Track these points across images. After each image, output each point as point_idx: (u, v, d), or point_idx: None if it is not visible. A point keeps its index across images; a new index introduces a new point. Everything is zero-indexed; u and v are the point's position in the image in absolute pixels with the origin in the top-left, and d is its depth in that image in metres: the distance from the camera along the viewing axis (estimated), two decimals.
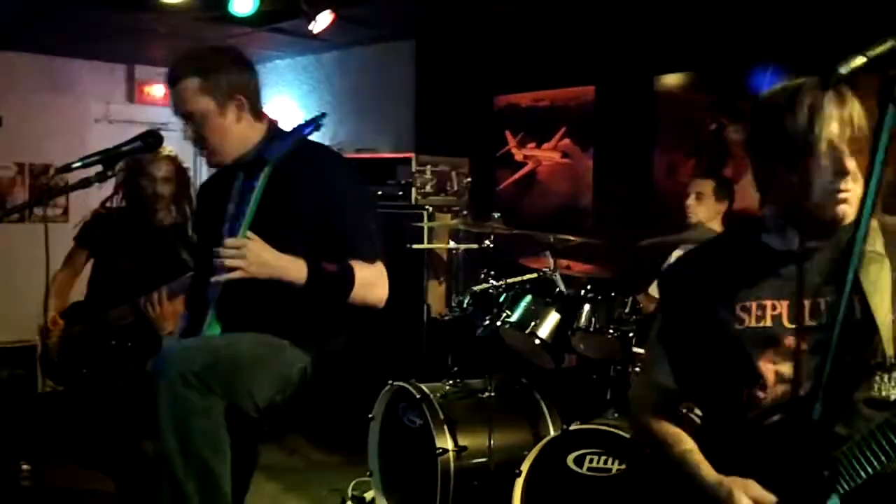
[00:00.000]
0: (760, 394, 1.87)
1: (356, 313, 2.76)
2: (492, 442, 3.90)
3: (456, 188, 5.69)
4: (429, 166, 5.59)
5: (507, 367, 4.18)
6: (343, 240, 2.69)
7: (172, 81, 2.74)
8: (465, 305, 4.38)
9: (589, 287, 4.03)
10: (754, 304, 1.90)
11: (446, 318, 4.34)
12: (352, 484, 4.60)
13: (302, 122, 2.65)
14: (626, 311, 3.87)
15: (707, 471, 1.89)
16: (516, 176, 6.12)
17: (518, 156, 6.12)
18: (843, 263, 1.62)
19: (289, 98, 7.69)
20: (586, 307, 3.95)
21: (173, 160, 4.15)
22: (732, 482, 1.81)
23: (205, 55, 2.79)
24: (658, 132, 5.41)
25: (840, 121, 1.76)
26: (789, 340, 1.85)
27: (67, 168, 2.60)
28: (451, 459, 3.89)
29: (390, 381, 4.18)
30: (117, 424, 3.97)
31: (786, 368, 1.85)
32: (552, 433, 4.10)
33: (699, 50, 5.18)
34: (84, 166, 2.60)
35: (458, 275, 4.42)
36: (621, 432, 3.42)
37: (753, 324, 1.89)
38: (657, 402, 2.09)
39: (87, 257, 4.23)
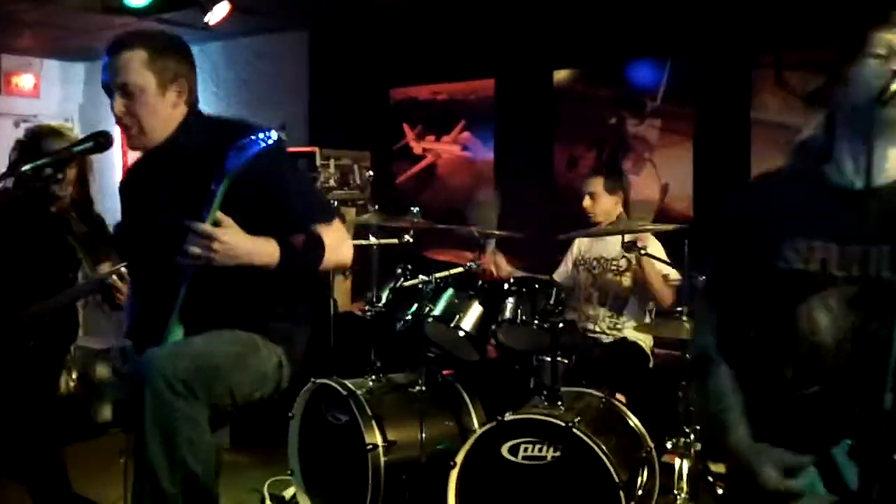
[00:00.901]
0: (800, 349, 1.82)
1: (315, 300, 2.71)
2: (422, 435, 3.91)
3: (359, 182, 5.67)
4: (332, 160, 5.55)
5: (425, 360, 4.18)
6: (295, 212, 2.63)
7: (116, 49, 2.61)
8: (383, 301, 4.38)
9: (511, 279, 4.10)
10: (805, 246, 1.83)
11: (369, 313, 4.31)
12: (267, 483, 4.53)
13: (259, 132, 2.46)
14: (551, 302, 3.94)
15: (739, 434, 1.86)
16: (416, 169, 6.15)
17: (417, 149, 6.14)
18: None
19: None
20: (510, 300, 4.02)
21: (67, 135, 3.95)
22: (761, 453, 1.80)
23: (156, 35, 2.69)
24: (558, 126, 5.53)
25: None
26: (833, 289, 1.79)
27: (15, 172, 2.47)
28: (381, 455, 3.88)
29: (312, 379, 4.13)
30: (37, 429, 3.82)
31: (825, 320, 1.80)
32: (476, 425, 4.17)
33: (597, 44, 5.33)
34: (34, 170, 2.47)
35: (371, 271, 4.39)
36: (555, 420, 3.49)
37: (800, 266, 1.83)
38: (703, 361, 2.01)
39: None
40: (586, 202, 4.67)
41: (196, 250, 2.38)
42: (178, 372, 2.35)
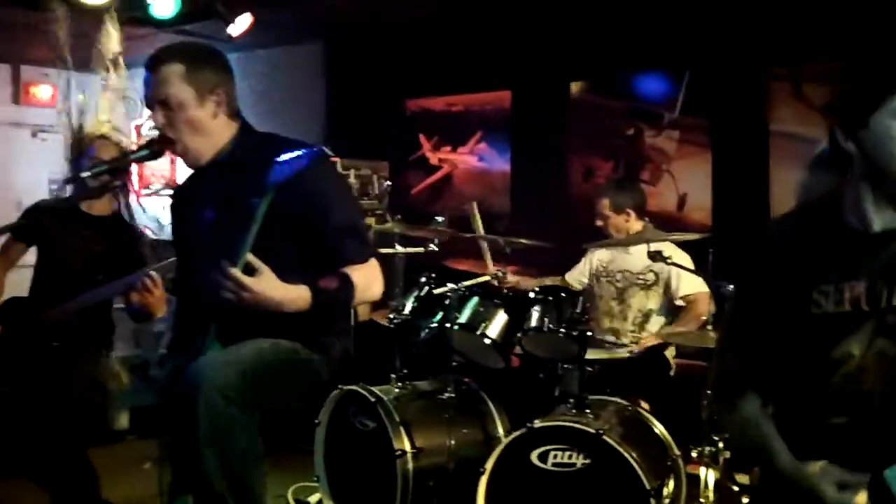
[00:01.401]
0: (836, 380, 1.89)
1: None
2: (450, 442, 3.94)
3: (377, 191, 5.72)
4: (352, 170, 5.61)
5: (451, 368, 4.21)
6: (333, 245, 2.66)
7: (154, 65, 2.66)
8: (408, 309, 4.42)
9: (538, 288, 4.14)
10: (832, 288, 1.88)
11: (396, 321, 4.35)
12: (291, 489, 4.56)
13: (303, 149, 2.48)
14: (577, 310, 3.99)
15: (785, 457, 1.92)
16: (432, 179, 6.21)
17: (433, 159, 6.20)
18: None
19: None
20: (536, 308, 4.06)
21: (117, 144, 4.02)
22: (817, 471, 1.86)
23: (192, 48, 2.77)
24: (573, 137, 5.59)
25: None
26: (867, 325, 1.85)
27: (77, 179, 2.51)
28: (410, 461, 3.92)
29: (339, 386, 4.17)
30: (63, 431, 3.85)
31: (859, 352, 1.87)
32: (501, 432, 4.20)
33: (614, 56, 5.39)
34: (93, 176, 2.52)
35: (396, 279, 4.43)
36: (585, 427, 3.53)
37: (833, 309, 1.88)
38: (730, 387, 2.07)
39: (23, 250, 4.07)
40: (599, 222, 4.70)
41: (227, 295, 2.40)
42: (230, 381, 2.39)
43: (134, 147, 2.74)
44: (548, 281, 4.73)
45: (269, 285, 2.43)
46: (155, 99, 2.66)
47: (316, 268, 2.60)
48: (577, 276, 4.90)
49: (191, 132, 2.67)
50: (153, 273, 3.51)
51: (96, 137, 3.96)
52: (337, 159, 5.74)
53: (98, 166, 2.58)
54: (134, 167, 7.81)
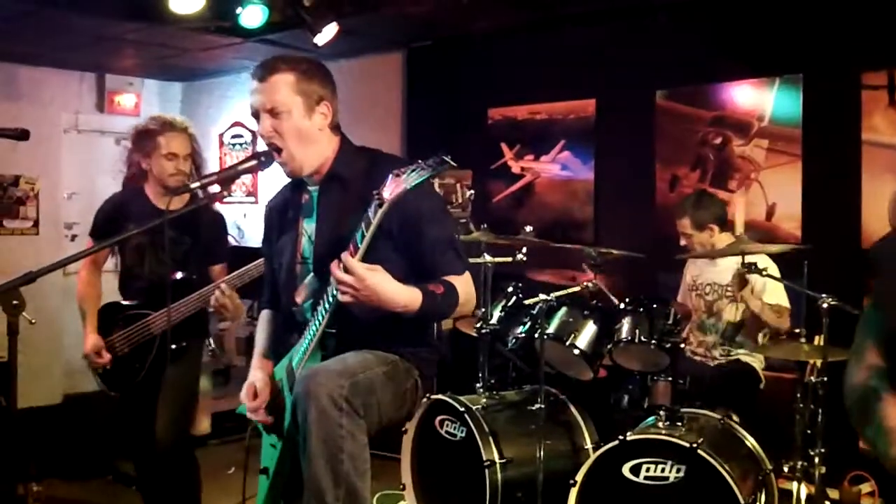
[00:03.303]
0: None
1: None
2: (540, 453, 3.93)
3: (460, 200, 5.73)
4: (437, 179, 5.61)
5: (540, 379, 4.20)
6: (433, 257, 2.68)
7: (264, 74, 2.68)
8: (495, 319, 4.43)
9: (628, 300, 4.12)
10: None
11: (484, 330, 4.35)
12: (376, 496, 4.59)
13: (420, 162, 2.44)
14: (669, 322, 3.96)
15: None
16: (514, 188, 6.20)
17: (515, 168, 6.19)
18: None
19: None
20: (627, 319, 4.04)
21: (191, 136, 4.04)
22: None
23: (300, 59, 2.77)
24: (659, 145, 5.54)
25: None
26: None
27: (186, 188, 2.56)
28: (498, 471, 3.92)
29: (427, 395, 4.18)
30: (179, 433, 3.94)
31: None
32: (589, 443, 4.19)
33: (701, 65, 5.33)
34: (201, 187, 2.57)
35: (483, 289, 4.43)
36: (679, 441, 3.50)
37: None
38: (873, 384, 1.99)
39: (108, 254, 4.13)
40: (683, 241, 4.66)
41: (343, 288, 2.43)
42: (342, 388, 2.43)
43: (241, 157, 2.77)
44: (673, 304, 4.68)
45: (385, 280, 2.45)
46: (263, 107, 2.68)
47: (416, 281, 2.62)
48: (683, 295, 4.85)
49: (298, 141, 2.69)
50: (223, 286, 3.59)
51: (164, 125, 3.95)
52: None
53: (207, 177, 2.62)
54: (215, 170, 7.97)
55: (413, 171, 2.34)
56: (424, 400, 4.18)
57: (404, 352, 2.72)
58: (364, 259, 2.45)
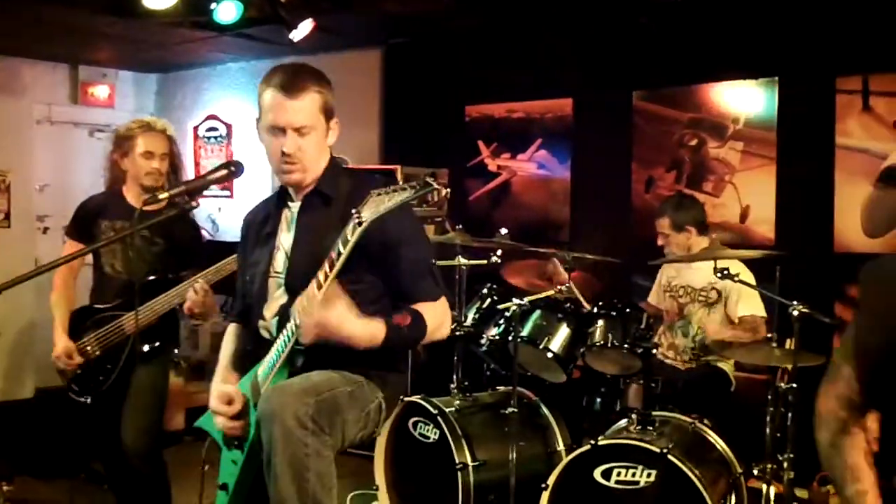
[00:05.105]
0: None
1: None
2: (513, 456, 3.94)
3: (436, 199, 5.71)
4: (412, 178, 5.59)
5: (513, 381, 4.20)
6: (409, 280, 2.68)
7: (295, 91, 2.63)
8: (469, 321, 4.42)
9: (601, 303, 4.13)
10: None
11: (458, 332, 4.35)
12: (350, 496, 4.60)
13: (407, 185, 2.39)
14: (642, 326, 3.97)
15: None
16: (490, 186, 6.20)
17: (492, 166, 6.19)
18: None
19: (242, 103, 7.59)
20: (600, 323, 4.05)
21: (170, 138, 4.03)
22: None
23: (320, 74, 2.73)
24: (636, 146, 5.55)
25: None
26: None
27: (155, 199, 2.54)
28: (471, 473, 3.93)
29: (401, 397, 4.18)
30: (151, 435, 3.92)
31: None
32: (562, 445, 4.20)
33: (678, 67, 5.35)
34: (170, 198, 2.55)
35: (457, 291, 4.43)
36: (650, 446, 3.52)
37: None
38: (842, 415, 2.01)
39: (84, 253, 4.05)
40: (661, 241, 4.67)
41: (305, 320, 2.43)
42: (307, 408, 2.42)
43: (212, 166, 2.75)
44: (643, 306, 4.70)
45: (346, 319, 2.45)
46: (291, 126, 2.64)
47: (390, 301, 2.63)
48: (655, 296, 4.88)
49: (315, 158, 2.70)
50: (200, 282, 3.57)
51: (141, 127, 3.94)
52: (398, 167, 5.77)
53: (176, 187, 2.59)
54: (189, 163, 7.93)
55: (394, 191, 2.31)
56: (397, 402, 4.18)
57: (371, 374, 2.71)
58: (339, 276, 2.43)
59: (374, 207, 2.31)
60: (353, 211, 2.34)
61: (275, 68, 2.71)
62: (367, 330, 2.50)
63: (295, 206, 2.79)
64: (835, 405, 2.01)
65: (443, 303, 2.72)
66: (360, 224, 2.33)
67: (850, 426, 1.98)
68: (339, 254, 2.39)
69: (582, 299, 4.34)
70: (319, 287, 2.43)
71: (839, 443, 1.98)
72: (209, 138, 7.97)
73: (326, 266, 2.42)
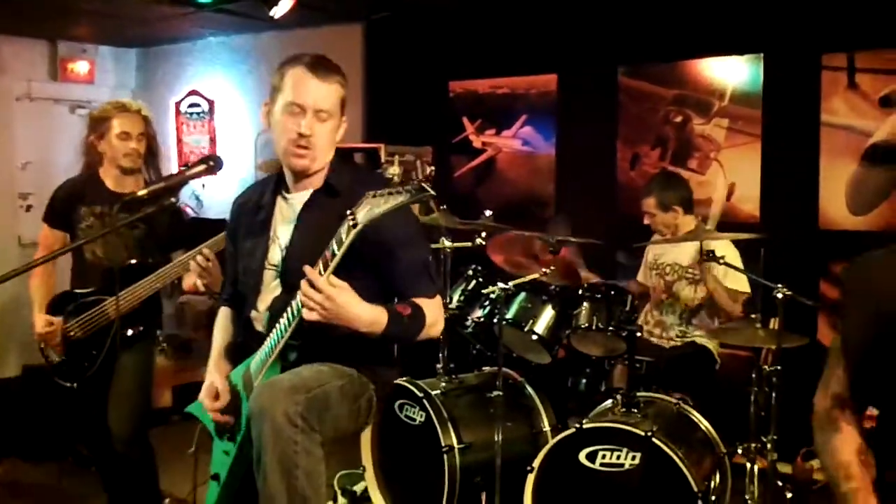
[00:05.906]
0: None
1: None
2: (499, 438, 3.95)
3: (421, 177, 5.69)
4: (396, 156, 5.57)
5: (498, 363, 4.21)
6: (406, 279, 2.67)
7: (325, 74, 2.62)
8: (454, 303, 4.42)
9: (586, 285, 4.13)
10: None
11: (446, 315, 4.34)
12: (336, 477, 4.60)
13: (403, 188, 2.36)
14: (627, 308, 3.98)
15: None
16: (475, 163, 6.17)
17: (476, 142, 6.16)
18: None
19: (224, 78, 7.52)
20: (585, 305, 4.06)
21: (146, 119, 4.00)
22: None
23: (338, 66, 2.71)
24: (621, 124, 5.53)
25: None
26: None
27: (134, 199, 2.51)
28: (457, 456, 3.94)
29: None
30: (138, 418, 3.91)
31: None
32: (548, 426, 4.22)
33: (664, 42, 5.31)
34: (149, 195, 2.52)
35: (443, 273, 4.42)
36: (635, 429, 3.53)
37: None
38: (834, 414, 2.04)
39: (63, 238, 4.03)
40: (646, 221, 4.65)
41: (310, 304, 2.40)
42: (297, 406, 2.41)
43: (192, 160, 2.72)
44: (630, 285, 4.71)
45: (351, 300, 2.43)
46: (315, 107, 2.61)
47: (384, 301, 2.60)
48: (641, 277, 4.88)
49: (326, 147, 2.69)
50: (206, 251, 3.50)
51: (116, 108, 3.92)
52: (381, 146, 5.73)
53: (154, 184, 2.57)
54: (172, 140, 7.87)
55: (389, 195, 2.28)
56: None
57: (363, 367, 2.70)
58: (333, 275, 2.42)
59: (368, 210, 2.29)
60: (348, 212, 2.32)
61: (299, 53, 2.70)
62: (372, 313, 2.48)
63: (292, 197, 2.77)
64: (829, 404, 2.04)
65: (438, 301, 2.72)
66: (354, 226, 2.31)
67: (843, 424, 2.00)
68: (334, 254, 2.38)
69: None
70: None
71: (832, 441, 2.00)
72: (191, 114, 7.90)
73: (321, 265, 2.41)
